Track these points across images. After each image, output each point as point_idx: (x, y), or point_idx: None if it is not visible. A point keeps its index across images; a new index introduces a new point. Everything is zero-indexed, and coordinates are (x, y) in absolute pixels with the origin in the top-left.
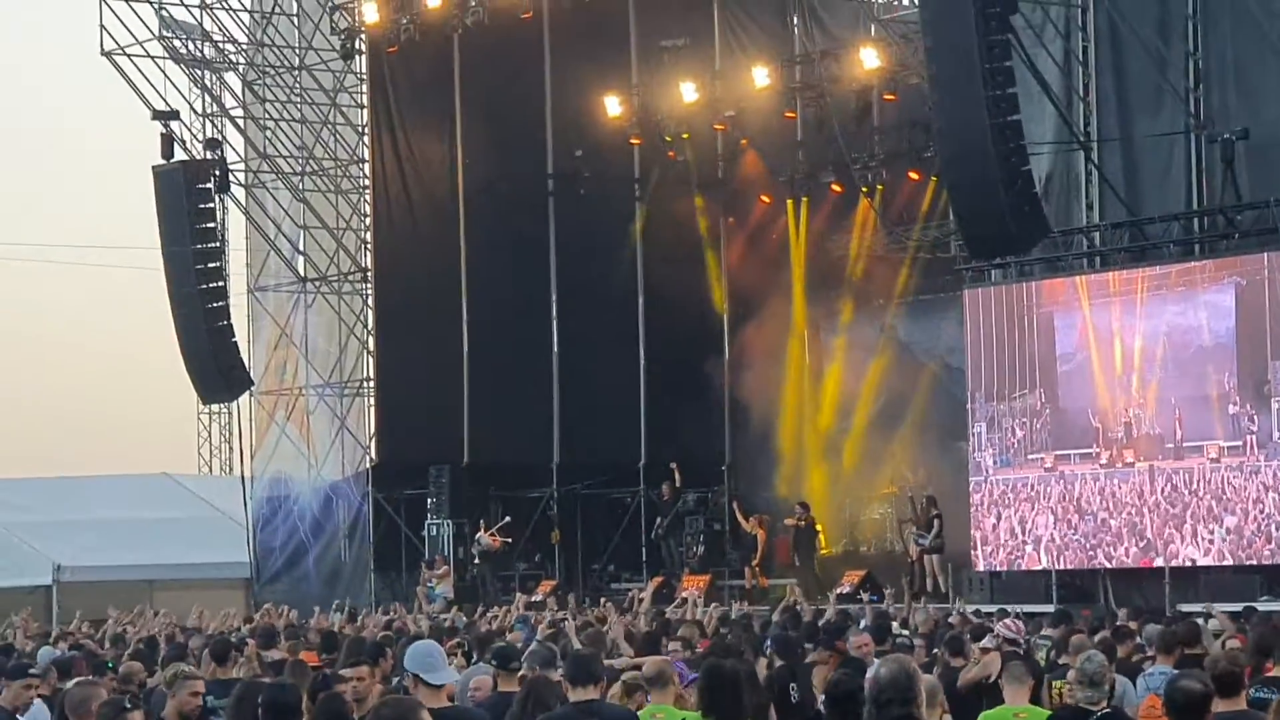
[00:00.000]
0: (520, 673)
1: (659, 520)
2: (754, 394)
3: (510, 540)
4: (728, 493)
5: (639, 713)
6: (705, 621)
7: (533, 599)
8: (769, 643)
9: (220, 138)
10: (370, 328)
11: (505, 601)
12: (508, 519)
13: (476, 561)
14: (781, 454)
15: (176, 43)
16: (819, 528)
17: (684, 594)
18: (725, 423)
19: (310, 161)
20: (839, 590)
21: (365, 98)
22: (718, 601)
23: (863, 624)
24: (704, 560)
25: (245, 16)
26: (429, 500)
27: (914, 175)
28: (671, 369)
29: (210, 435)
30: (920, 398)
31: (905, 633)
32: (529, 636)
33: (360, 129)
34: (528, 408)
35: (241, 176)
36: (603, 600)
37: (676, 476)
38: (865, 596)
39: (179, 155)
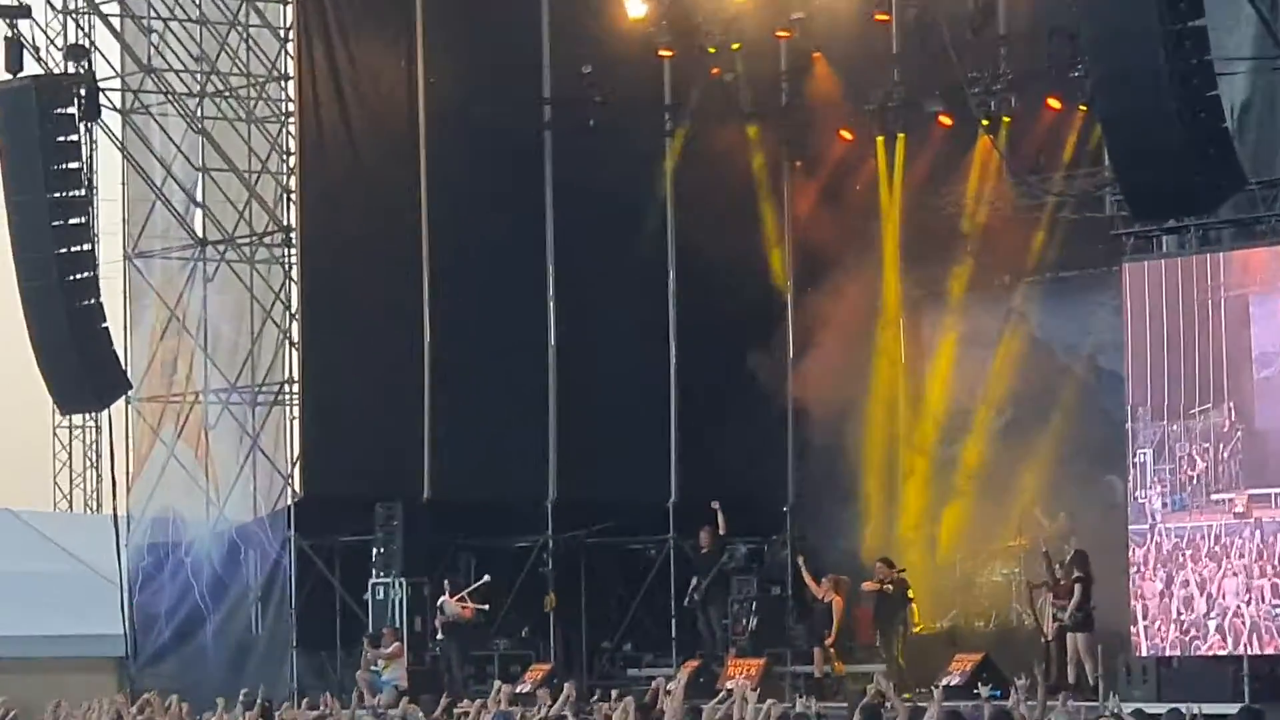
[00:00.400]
0: None
1: (695, 582)
2: (827, 405)
3: (487, 608)
4: (790, 544)
5: None
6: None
7: (518, 689)
8: None
9: (88, 44)
10: (295, 311)
11: (479, 694)
12: (485, 579)
13: (440, 637)
14: (865, 490)
15: None
16: (911, 594)
17: (729, 684)
18: (787, 445)
19: (213, 79)
20: (946, 681)
21: None
22: (775, 697)
23: None
24: (757, 638)
25: None
26: (374, 551)
27: (1054, 104)
28: (713, 369)
29: (70, 458)
30: (1060, 413)
31: None
32: None
33: (282, 33)
34: (513, 424)
35: (117, 99)
36: (613, 694)
37: (720, 521)
38: (983, 691)
39: (30, 68)
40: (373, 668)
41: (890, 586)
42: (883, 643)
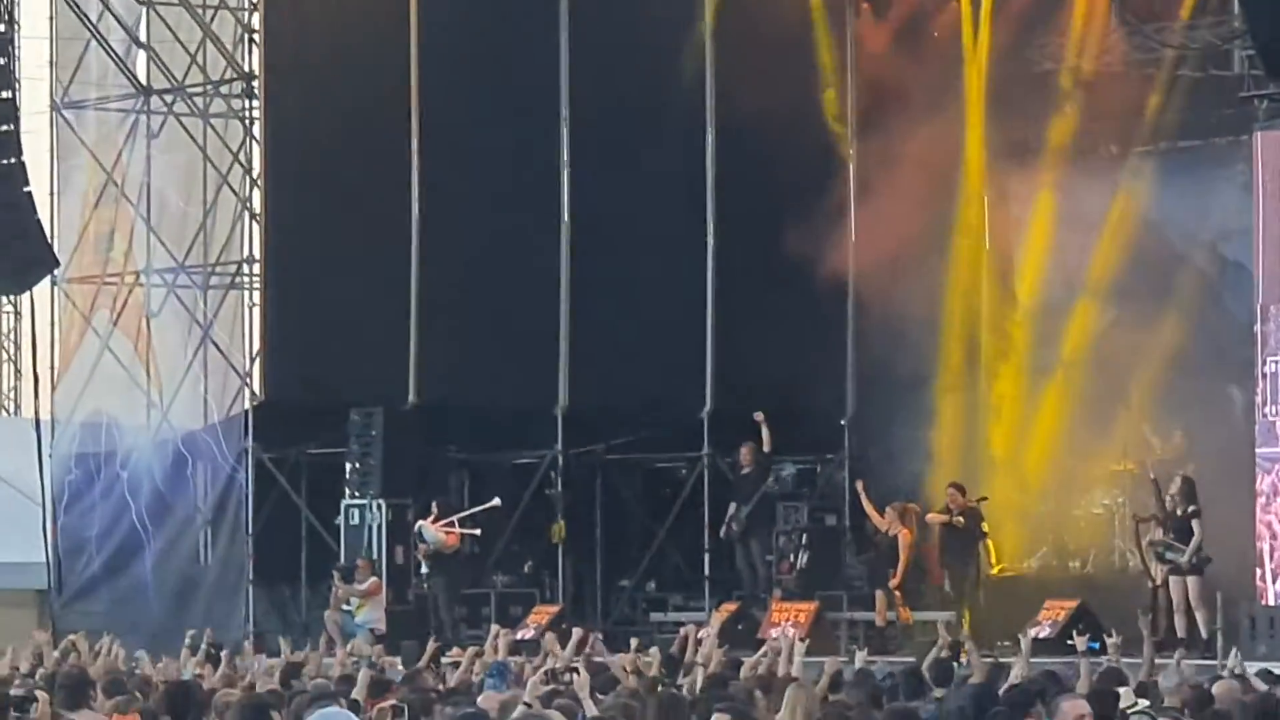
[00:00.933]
0: None
1: (733, 509)
2: (893, 294)
3: (479, 534)
4: (849, 465)
5: None
6: (812, 684)
7: (519, 635)
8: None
9: None
10: (257, 176)
11: (473, 639)
12: (495, 501)
13: (425, 571)
14: (938, 401)
15: None
16: (986, 528)
17: (773, 633)
18: (846, 343)
19: None
20: (1034, 632)
21: None
22: (827, 649)
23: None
24: (807, 578)
25: None
26: (348, 467)
27: None
28: (757, 250)
29: None
30: (1176, 311)
31: (1143, 705)
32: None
33: None
34: (518, 317)
35: None
36: (633, 642)
37: (764, 435)
38: (1079, 642)
39: None
40: (344, 607)
41: (961, 519)
42: (952, 586)
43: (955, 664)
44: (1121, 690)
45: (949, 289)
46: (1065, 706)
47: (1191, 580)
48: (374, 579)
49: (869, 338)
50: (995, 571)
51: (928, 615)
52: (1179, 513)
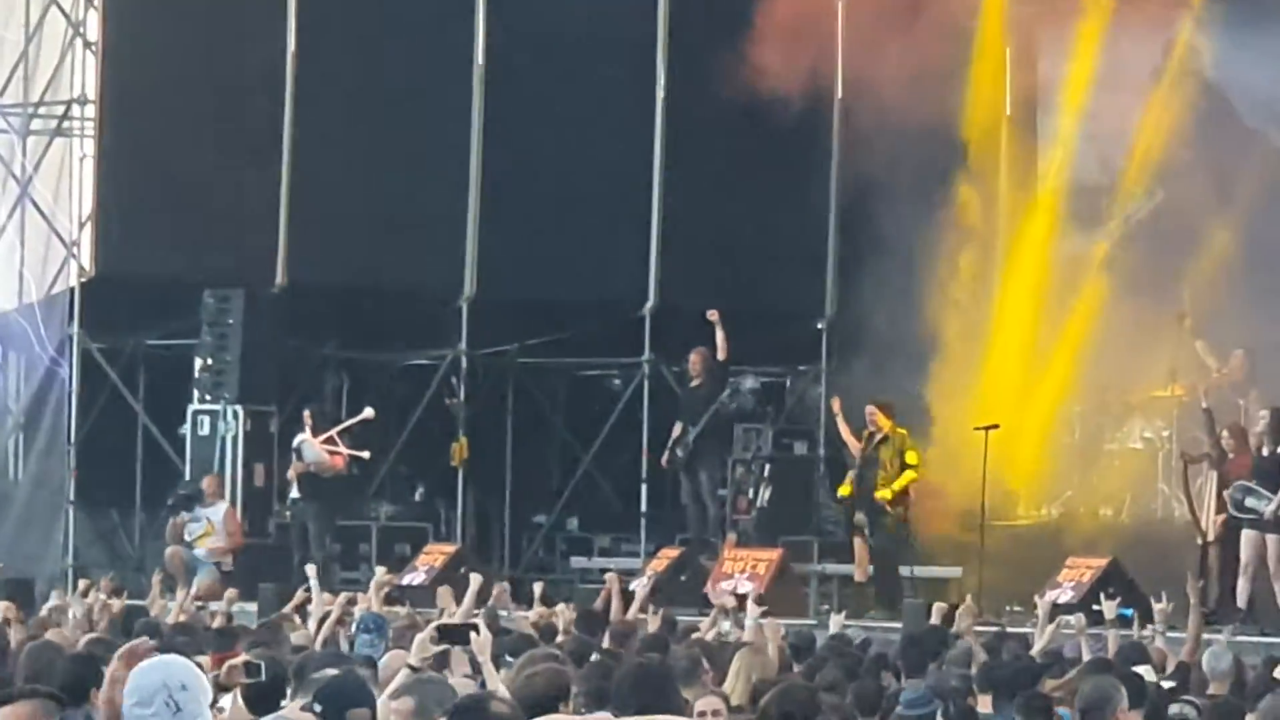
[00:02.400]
0: None
1: (679, 430)
2: (888, 172)
3: (368, 456)
4: (825, 379)
5: None
6: (766, 646)
7: (405, 580)
8: (901, 704)
9: None
10: None
11: (348, 584)
12: (367, 412)
13: (294, 497)
14: (940, 305)
15: None
16: (913, 459)
17: (723, 587)
18: (827, 230)
19: None
20: (1053, 595)
21: None
22: (793, 608)
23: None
24: (770, 518)
25: None
26: (198, 363)
27: None
28: (718, 112)
29: None
30: (1241, 200)
31: (1178, 695)
32: (379, 656)
33: None
34: (414, 185)
35: None
36: (536, 588)
37: (719, 340)
38: (1107, 609)
39: None
40: (188, 538)
41: (880, 442)
42: (871, 534)
43: (953, 634)
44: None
45: (958, 165)
46: None
47: (1273, 539)
48: (225, 504)
49: (855, 221)
50: (1023, 522)
51: (924, 570)
52: (1265, 451)
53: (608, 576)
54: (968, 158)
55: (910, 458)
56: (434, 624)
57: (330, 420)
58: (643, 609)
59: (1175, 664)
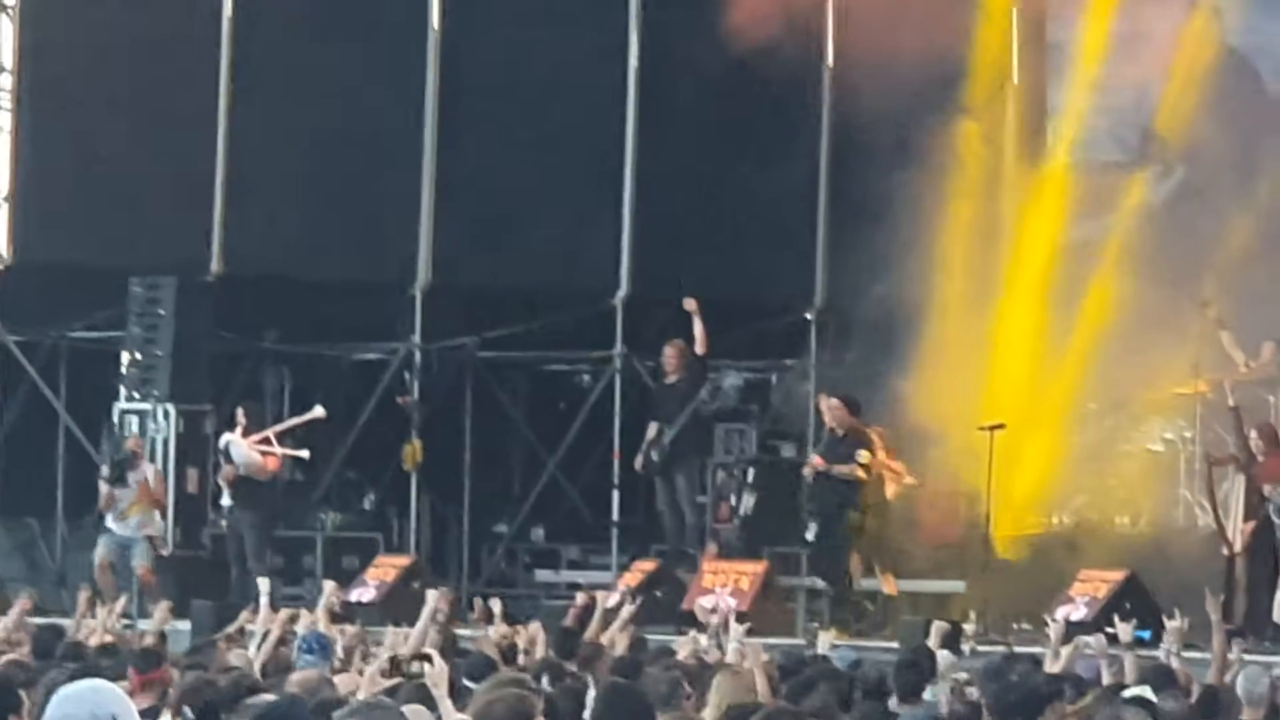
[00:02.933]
0: None
1: (654, 430)
2: (884, 148)
3: (307, 456)
4: (814, 375)
5: None
6: (754, 669)
7: (354, 596)
8: None
9: None
10: None
11: (291, 600)
12: (317, 411)
13: (228, 505)
14: (939, 292)
15: None
16: (866, 458)
17: (702, 603)
18: (817, 211)
19: None
20: (1065, 613)
21: None
22: (781, 625)
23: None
24: (754, 527)
25: None
26: (126, 358)
27: None
28: (698, 80)
29: None
30: (1270, 175)
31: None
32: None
33: None
34: (365, 161)
35: None
36: (495, 606)
37: (698, 332)
38: (1122, 631)
39: None
40: (115, 508)
41: (840, 440)
42: (819, 536)
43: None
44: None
45: (960, 137)
46: None
47: None
48: (151, 465)
49: (845, 202)
50: (1027, 532)
51: (922, 585)
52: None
53: (581, 595)
54: (970, 133)
55: (862, 456)
56: (384, 655)
57: (267, 420)
58: (624, 628)
59: (1203, 687)
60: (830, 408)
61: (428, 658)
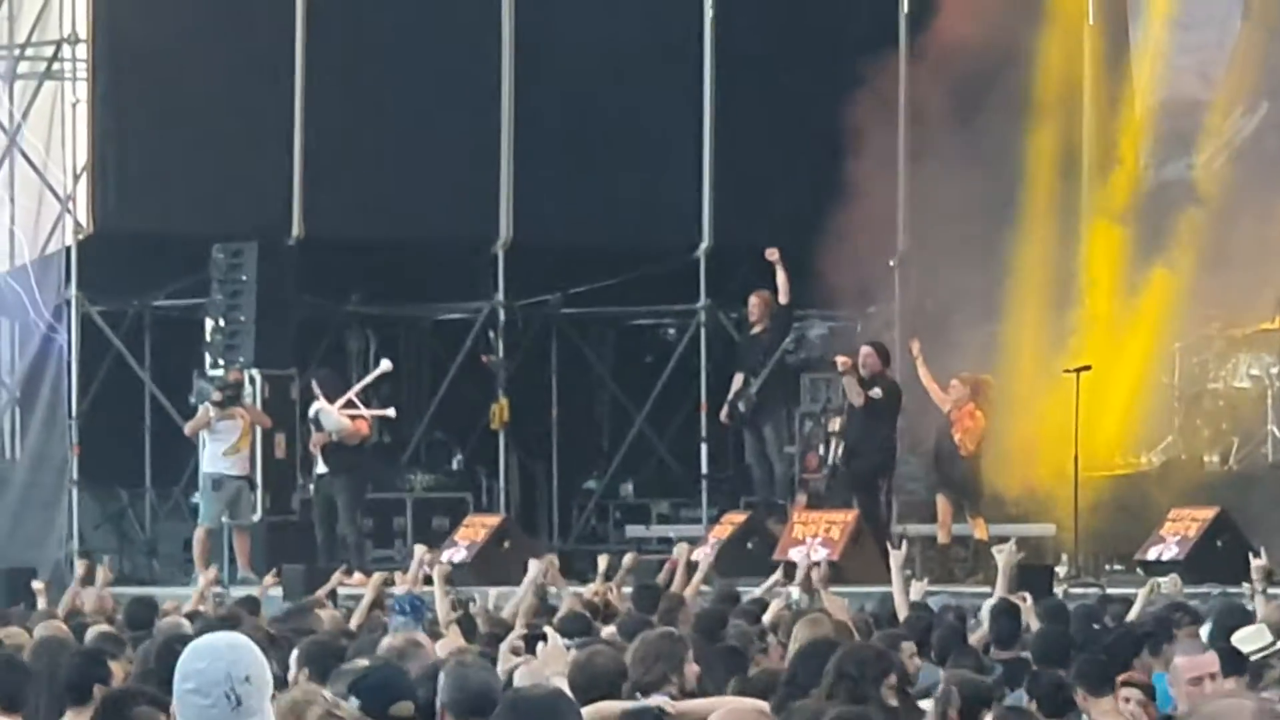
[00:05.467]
0: None
1: (740, 382)
2: (962, 90)
3: (393, 415)
4: (899, 321)
5: None
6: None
7: (446, 556)
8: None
9: None
10: None
11: (381, 563)
12: (384, 365)
13: (318, 472)
14: (1021, 235)
15: None
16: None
17: (794, 554)
18: (896, 159)
19: None
20: (1154, 552)
21: None
22: (874, 573)
23: (1205, 629)
24: (843, 477)
25: None
26: (209, 325)
27: None
28: (776, 36)
29: None
30: None
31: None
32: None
33: None
34: (439, 127)
35: None
36: (601, 561)
37: (781, 282)
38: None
39: None
40: (210, 436)
41: (878, 392)
42: (853, 488)
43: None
44: (1244, 632)
45: (1037, 81)
46: (1181, 663)
47: None
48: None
49: (926, 146)
50: (1113, 472)
51: (1011, 528)
52: None
53: (676, 549)
54: (1048, 75)
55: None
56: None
57: (343, 382)
58: (706, 581)
59: None
60: (863, 355)
61: (543, 636)
